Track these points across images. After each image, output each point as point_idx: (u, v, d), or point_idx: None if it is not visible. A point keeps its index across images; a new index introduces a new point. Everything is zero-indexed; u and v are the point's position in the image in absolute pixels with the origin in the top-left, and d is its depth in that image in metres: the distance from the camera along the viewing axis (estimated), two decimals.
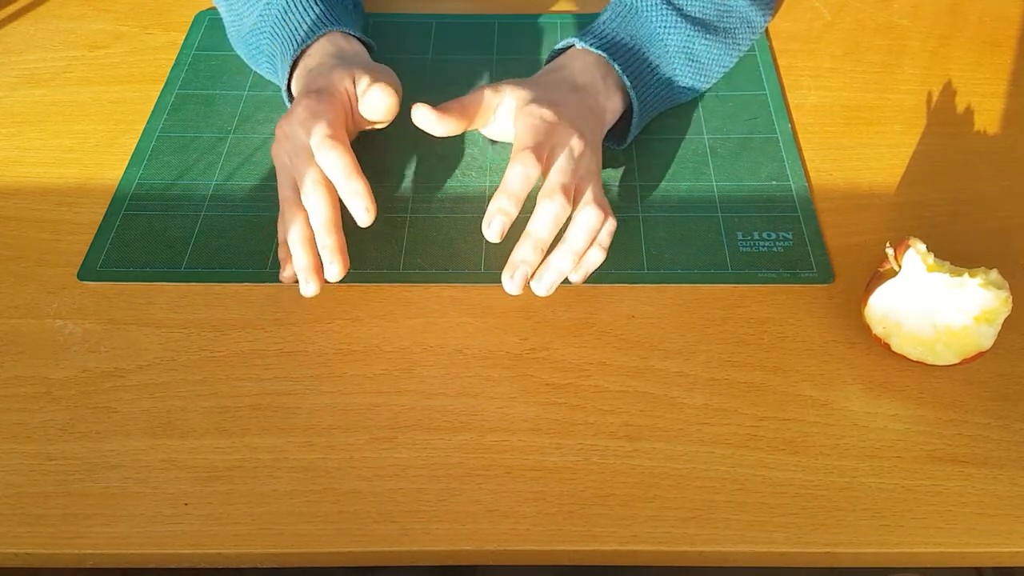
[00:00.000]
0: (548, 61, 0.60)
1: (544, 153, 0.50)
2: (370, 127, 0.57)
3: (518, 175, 0.48)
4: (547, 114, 0.52)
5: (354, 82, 0.54)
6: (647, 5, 0.60)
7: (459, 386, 0.49)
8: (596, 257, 0.51)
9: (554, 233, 0.49)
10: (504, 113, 0.55)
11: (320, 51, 0.57)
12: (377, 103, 0.53)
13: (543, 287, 0.49)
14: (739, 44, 0.65)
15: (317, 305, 0.53)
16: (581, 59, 0.58)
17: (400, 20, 0.73)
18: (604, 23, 0.60)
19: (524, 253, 0.48)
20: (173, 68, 0.68)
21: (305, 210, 0.51)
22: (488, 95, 0.54)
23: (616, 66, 0.57)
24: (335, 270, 0.50)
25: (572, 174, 0.50)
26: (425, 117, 0.51)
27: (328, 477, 0.46)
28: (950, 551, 0.44)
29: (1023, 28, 0.71)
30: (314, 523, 0.44)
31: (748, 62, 0.68)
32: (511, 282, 0.48)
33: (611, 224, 0.51)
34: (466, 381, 0.50)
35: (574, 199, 0.50)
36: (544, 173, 0.50)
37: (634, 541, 0.44)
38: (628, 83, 0.57)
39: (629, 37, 0.59)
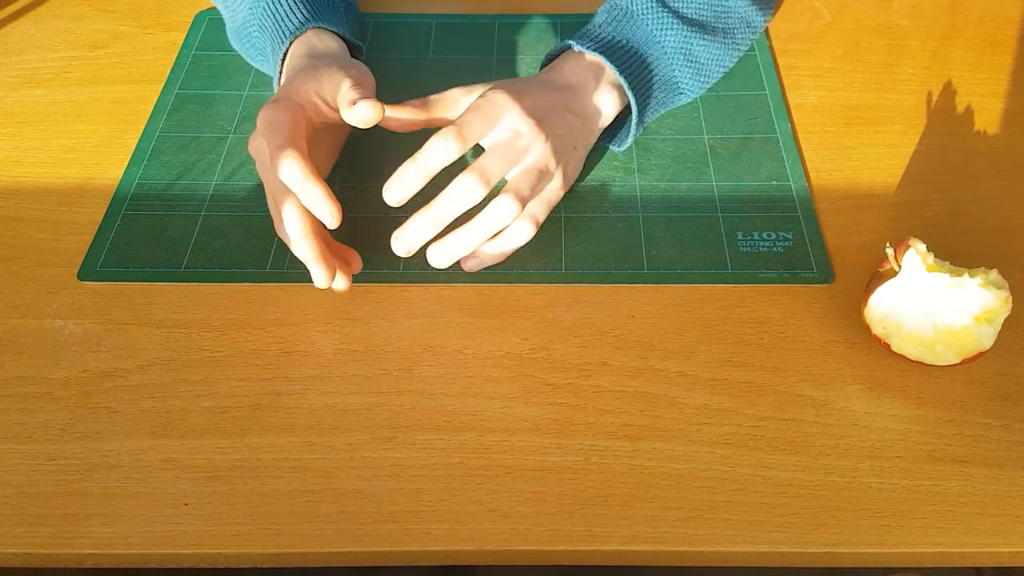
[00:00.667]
0: (543, 66, 0.60)
1: (474, 133, 0.50)
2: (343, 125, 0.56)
3: (435, 149, 0.49)
4: (500, 98, 0.52)
5: (323, 85, 0.53)
6: (642, 8, 0.60)
7: (459, 386, 0.49)
8: (491, 252, 0.53)
9: (457, 214, 0.51)
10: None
11: (296, 51, 0.57)
12: (363, 116, 0.51)
13: (437, 259, 0.52)
14: (739, 44, 0.65)
15: (317, 305, 0.53)
16: (575, 60, 0.58)
17: (400, 20, 0.73)
18: (599, 26, 0.60)
19: (419, 226, 0.50)
20: (173, 68, 0.68)
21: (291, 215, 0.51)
22: (458, 92, 0.55)
23: (611, 66, 0.57)
24: (317, 276, 0.50)
25: (506, 161, 0.51)
26: (365, 112, 0.50)
27: (328, 477, 0.46)
28: (950, 551, 0.44)
29: (1023, 28, 0.71)
30: (314, 523, 0.44)
31: (748, 62, 0.68)
32: (399, 244, 0.51)
33: (526, 229, 0.52)
34: (466, 381, 0.50)
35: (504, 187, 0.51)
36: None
37: (634, 541, 0.44)
38: (624, 81, 0.57)
39: (625, 39, 0.59)
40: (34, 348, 0.51)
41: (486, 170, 0.50)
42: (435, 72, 0.68)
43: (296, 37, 0.57)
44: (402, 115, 0.54)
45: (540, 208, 0.53)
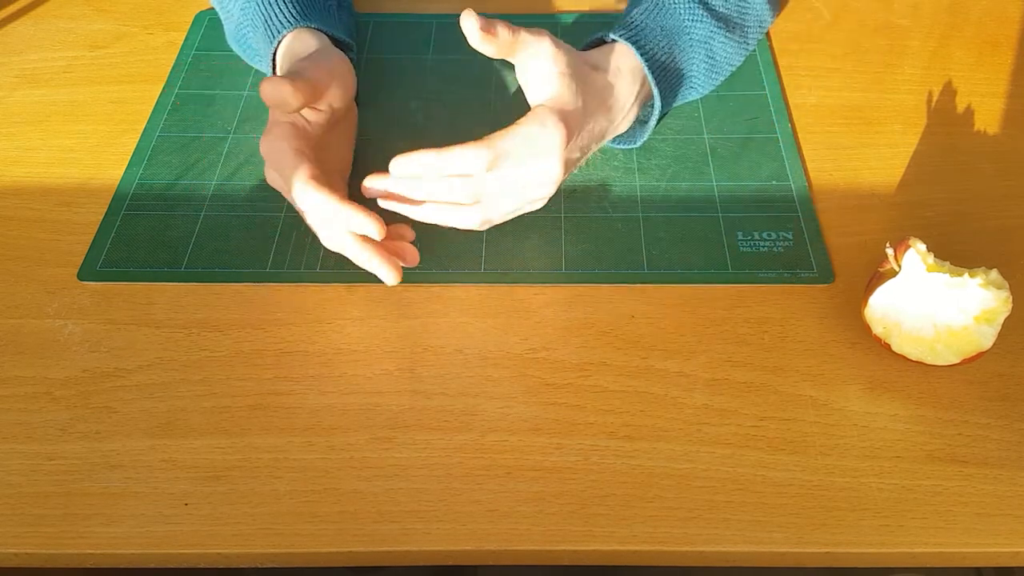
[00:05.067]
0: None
1: (508, 162, 0.48)
2: (323, 109, 0.54)
3: (464, 159, 0.47)
4: (551, 137, 0.49)
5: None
6: None
7: (459, 386, 0.49)
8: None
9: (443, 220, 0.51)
10: (538, 71, 0.52)
11: (283, 53, 0.57)
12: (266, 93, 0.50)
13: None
14: (748, 43, 0.65)
15: (317, 305, 0.53)
16: (614, 55, 0.57)
17: (400, 20, 0.73)
18: (633, 16, 0.59)
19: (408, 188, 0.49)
20: (173, 68, 0.68)
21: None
22: (545, 47, 0.51)
23: (643, 62, 0.56)
24: (387, 277, 0.50)
25: (515, 202, 0.51)
26: (471, 28, 0.48)
27: (328, 477, 0.46)
28: (950, 551, 0.44)
29: (1023, 28, 0.71)
30: (314, 523, 0.44)
31: (748, 62, 0.68)
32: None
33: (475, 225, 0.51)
34: (466, 381, 0.50)
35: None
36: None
37: (634, 541, 0.44)
38: (652, 81, 0.57)
39: (659, 28, 0.58)
40: (34, 348, 0.51)
41: (490, 218, 0.50)
42: (435, 72, 0.68)
43: (284, 37, 0.57)
44: (486, 37, 0.49)
45: (504, 218, 0.53)
